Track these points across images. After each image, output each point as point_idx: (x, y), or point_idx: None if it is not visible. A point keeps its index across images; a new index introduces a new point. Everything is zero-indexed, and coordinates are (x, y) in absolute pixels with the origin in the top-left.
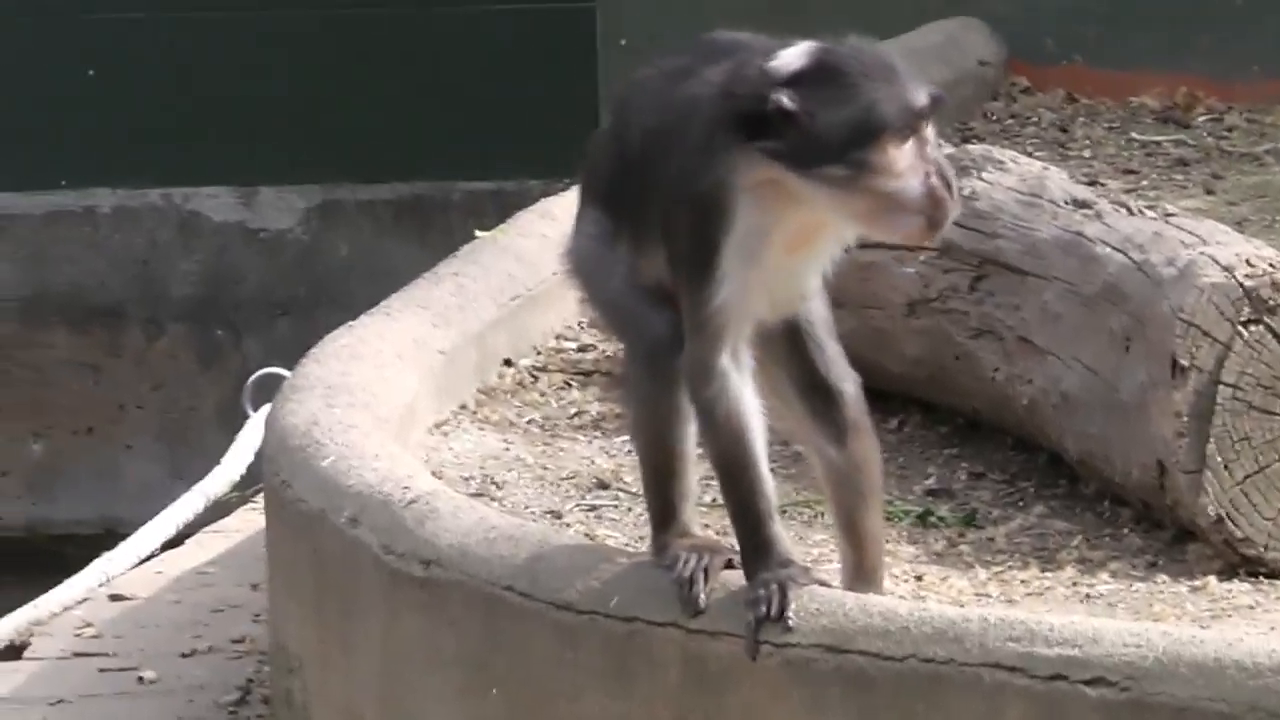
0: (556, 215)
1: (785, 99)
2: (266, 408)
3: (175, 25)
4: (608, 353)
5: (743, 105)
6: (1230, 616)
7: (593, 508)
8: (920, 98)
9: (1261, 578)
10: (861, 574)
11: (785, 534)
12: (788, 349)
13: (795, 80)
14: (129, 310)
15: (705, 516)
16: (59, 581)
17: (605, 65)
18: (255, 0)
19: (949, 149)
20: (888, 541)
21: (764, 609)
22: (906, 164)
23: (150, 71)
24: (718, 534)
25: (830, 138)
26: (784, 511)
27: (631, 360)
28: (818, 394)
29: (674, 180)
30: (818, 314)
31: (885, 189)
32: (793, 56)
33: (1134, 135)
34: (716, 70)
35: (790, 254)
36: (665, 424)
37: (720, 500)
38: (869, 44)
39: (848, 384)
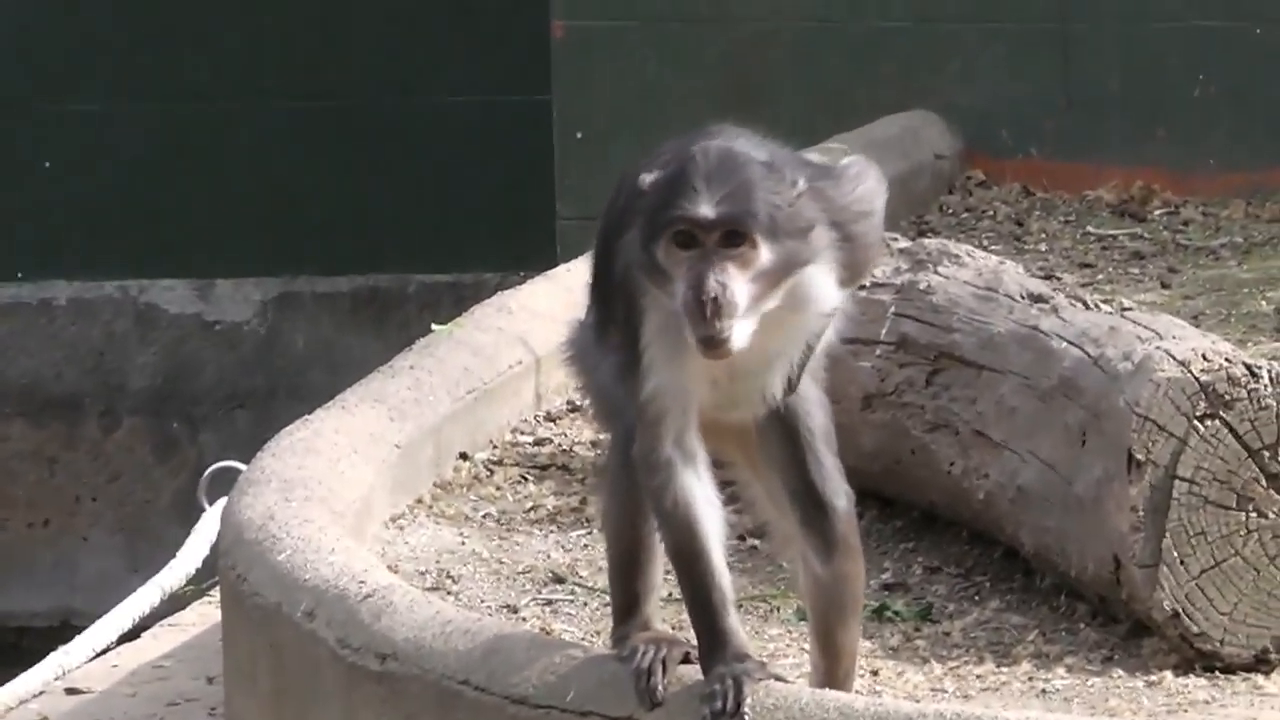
0: (512, 309)
1: (643, 181)
2: (222, 501)
3: (131, 118)
4: (564, 447)
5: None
6: (1186, 712)
7: (549, 602)
8: (701, 210)
9: (1217, 672)
10: (831, 684)
11: (741, 628)
12: (784, 456)
13: (659, 169)
14: (85, 402)
15: (668, 611)
16: (15, 674)
17: (562, 158)
18: (213, 93)
19: (905, 243)
20: None
21: (719, 703)
22: (675, 267)
23: (107, 165)
24: (678, 629)
25: (643, 230)
26: (740, 605)
27: (611, 449)
28: (810, 505)
29: (612, 270)
30: (818, 423)
31: (660, 284)
32: (672, 148)
33: (1090, 229)
34: (653, 160)
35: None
36: (633, 515)
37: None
38: (741, 143)
39: (840, 499)
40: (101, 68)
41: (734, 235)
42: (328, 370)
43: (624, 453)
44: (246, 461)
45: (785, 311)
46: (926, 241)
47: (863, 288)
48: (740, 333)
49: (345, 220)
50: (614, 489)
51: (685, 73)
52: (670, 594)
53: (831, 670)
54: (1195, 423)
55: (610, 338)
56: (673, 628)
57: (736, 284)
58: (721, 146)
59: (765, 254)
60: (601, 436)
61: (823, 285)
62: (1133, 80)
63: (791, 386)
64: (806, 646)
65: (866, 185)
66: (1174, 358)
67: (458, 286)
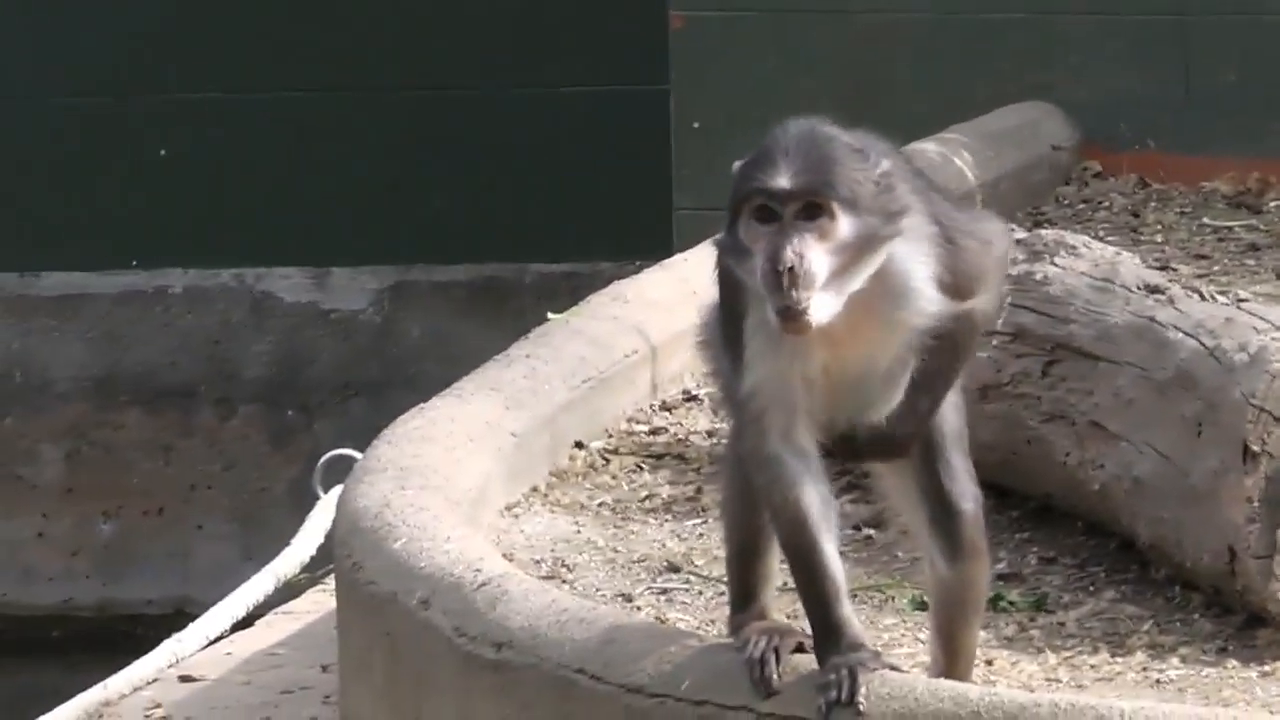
0: (628, 298)
1: (734, 168)
2: (337, 489)
3: (246, 107)
4: (679, 436)
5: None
6: None
7: (664, 591)
8: (778, 180)
9: None
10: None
11: (856, 618)
12: (915, 455)
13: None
14: (200, 391)
15: (784, 600)
16: (129, 662)
17: (678, 148)
18: (330, 82)
19: (1021, 234)
20: None
21: (835, 693)
22: (754, 242)
23: (223, 152)
24: (794, 618)
25: (728, 211)
26: (855, 595)
27: (730, 438)
28: (938, 506)
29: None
30: (950, 425)
31: (742, 262)
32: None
33: (1206, 220)
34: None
35: (834, 349)
36: (751, 505)
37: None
38: (826, 126)
39: (968, 502)
40: (217, 57)
41: (813, 207)
42: (442, 359)
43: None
44: (361, 450)
45: (877, 300)
46: (1043, 232)
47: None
48: (821, 306)
49: (461, 209)
50: (731, 478)
51: (802, 65)
52: (785, 583)
53: (950, 667)
54: None
55: (728, 330)
56: (789, 617)
57: (814, 253)
58: (804, 124)
59: (845, 225)
60: (720, 425)
61: (919, 278)
62: (1250, 73)
63: (918, 412)
64: (922, 636)
65: (987, 222)
66: None
67: (574, 276)
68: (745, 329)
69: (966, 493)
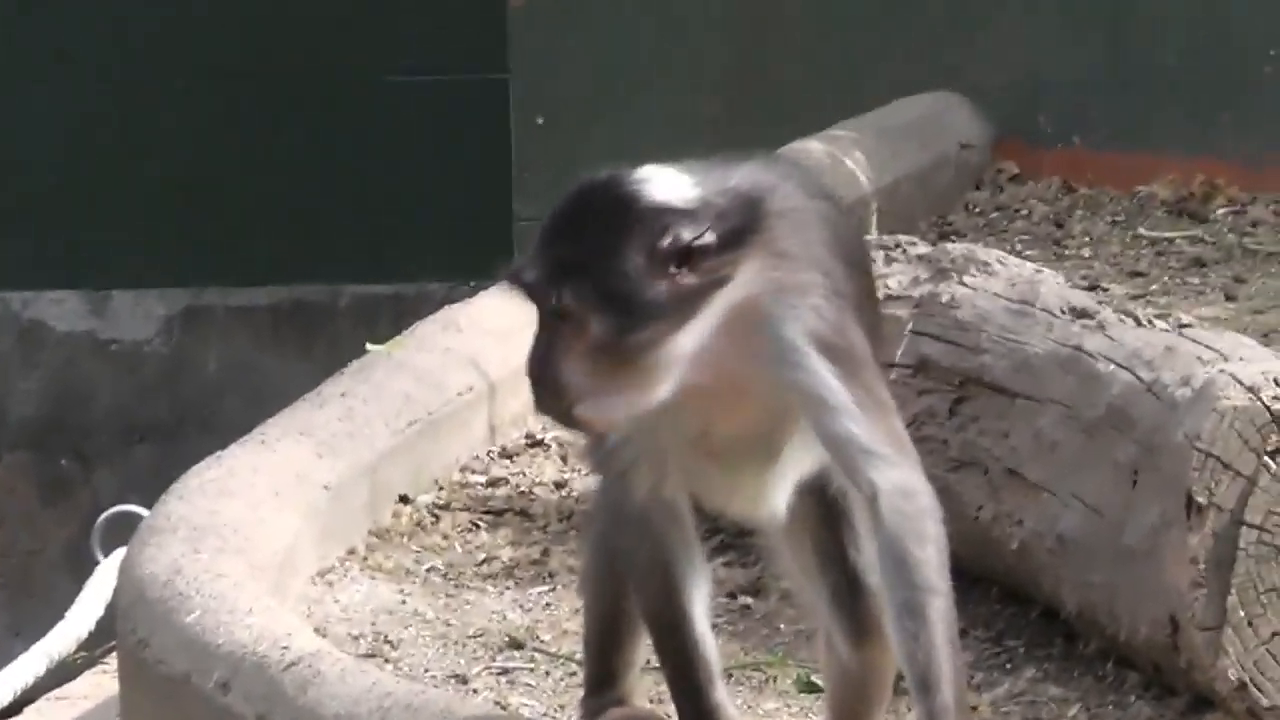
0: (462, 325)
1: None
2: (120, 552)
3: (12, 101)
4: (522, 488)
5: None
6: None
7: (505, 671)
8: (525, 272)
9: None
10: None
11: (731, 703)
12: (821, 520)
13: None
14: None
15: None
16: None
17: (519, 147)
18: (107, 72)
19: (924, 248)
20: None
21: None
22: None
23: None
24: (659, 703)
25: None
26: (730, 675)
27: (596, 495)
28: (842, 580)
29: None
30: None
31: None
32: None
33: (1142, 231)
34: None
35: (707, 412)
36: (616, 573)
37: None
38: (627, 182)
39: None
40: None
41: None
42: (244, 398)
43: (603, 502)
44: (148, 505)
45: (742, 358)
46: (950, 246)
47: None
48: (600, 411)
49: (265, 221)
50: (595, 541)
51: (671, 46)
52: (649, 661)
53: None
54: (1266, 459)
55: None
56: (652, 702)
57: (566, 363)
58: (589, 188)
59: (604, 328)
60: (570, 475)
61: (787, 331)
62: (1193, 56)
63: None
64: None
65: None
66: (1241, 383)
67: (398, 299)
68: None
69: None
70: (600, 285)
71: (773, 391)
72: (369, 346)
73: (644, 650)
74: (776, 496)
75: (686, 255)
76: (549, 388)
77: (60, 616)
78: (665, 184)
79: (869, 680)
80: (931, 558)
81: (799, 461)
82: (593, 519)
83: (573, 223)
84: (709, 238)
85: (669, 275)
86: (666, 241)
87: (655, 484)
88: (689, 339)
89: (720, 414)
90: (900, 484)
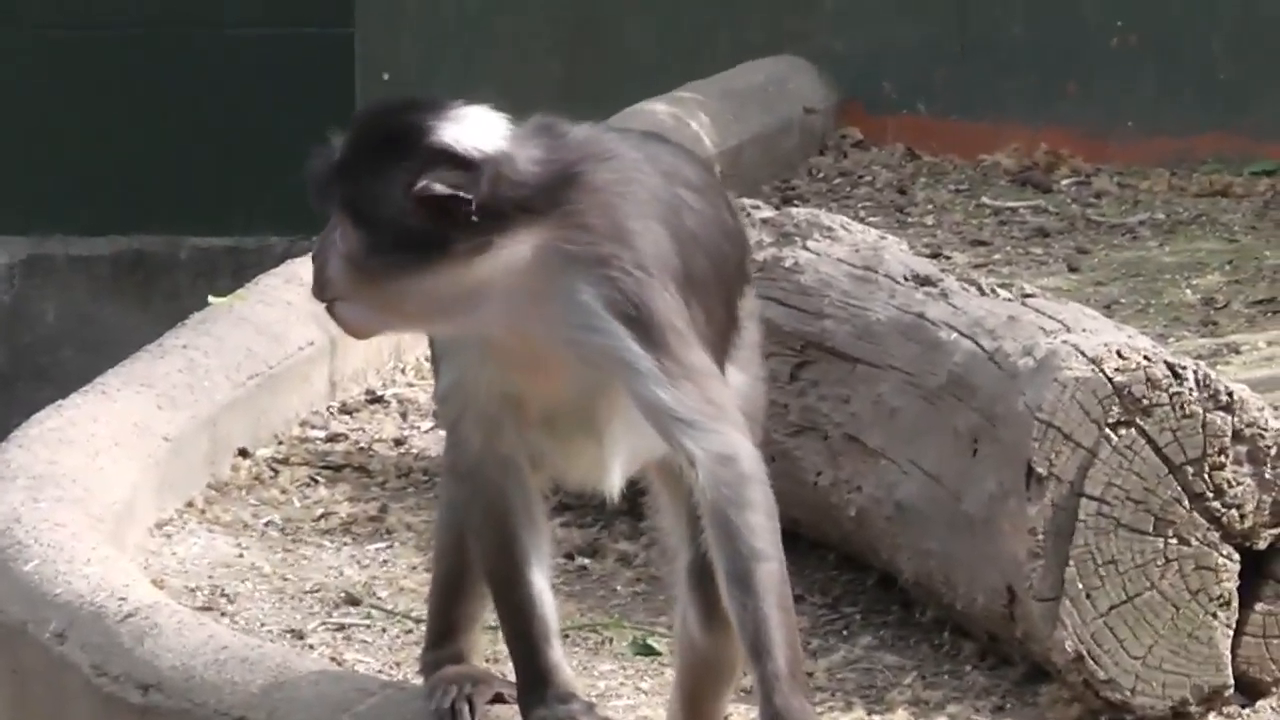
0: (305, 280)
1: None
2: None
3: None
4: (361, 444)
5: None
6: None
7: (341, 627)
8: (312, 168)
9: None
10: None
11: (567, 663)
12: (679, 499)
13: None
14: None
15: (486, 639)
16: None
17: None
18: None
19: (768, 212)
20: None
21: None
22: None
23: None
24: (496, 662)
25: None
26: (567, 636)
27: (445, 452)
28: (697, 562)
29: None
30: None
31: None
32: None
33: (986, 200)
34: None
35: (520, 371)
36: (460, 530)
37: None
38: (412, 108)
39: None
40: None
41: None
42: (82, 348)
43: (450, 455)
44: None
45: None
46: (794, 211)
47: None
48: (351, 314)
49: (106, 171)
50: (443, 498)
51: (518, 5)
52: (489, 621)
53: None
54: (1107, 431)
55: None
56: (489, 661)
57: (331, 258)
58: (379, 106)
59: (358, 241)
60: (409, 432)
61: (582, 295)
62: (1039, 25)
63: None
64: (643, 685)
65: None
66: (1083, 354)
67: (238, 252)
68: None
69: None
70: (356, 199)
71: (574, 357)
72: (211, 299)
73: (486, 609)
74: (614, 468)
75: (442, 204)
76: (315, 276)
77: None
78: (463, 128)
79: (718, 662)
80: (758, 523)
81: (629, 438)
82: (442, 474)
83: (363, 132)
84: (466, 195)
85: (420, 216)
86: (419, 185)
87: (488, 440)
88: (448, 284)
89: (531, 379)
90: (719, 450)
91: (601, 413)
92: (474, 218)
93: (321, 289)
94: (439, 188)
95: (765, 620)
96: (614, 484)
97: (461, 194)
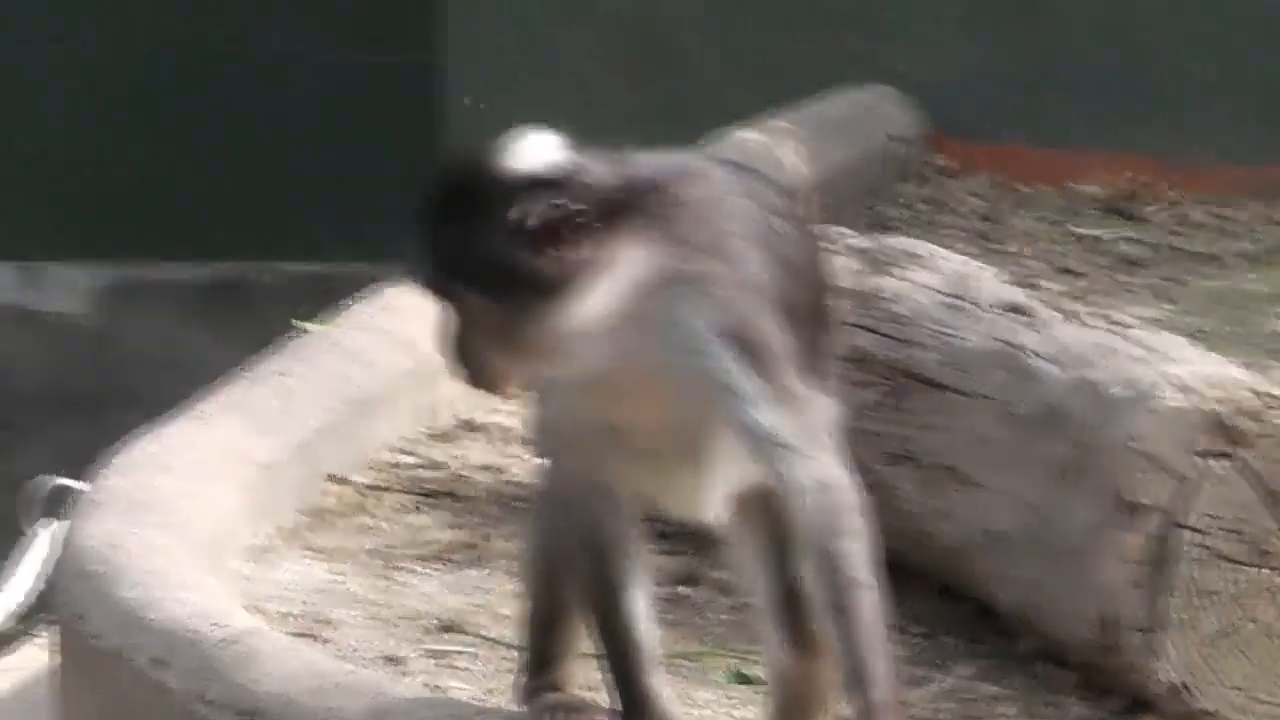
0: (399, 307)
1: None
2: (52, 525)
3: None
4: (457, 471)
5: None
6: None
7: (438, 653)
8: (411, 266)
9: None
10: None
11: (666, 690)
12: (765, 526)
13: None
14: None
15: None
16: None
17: (450, 129)
18: (38, 40)
19: (862, 240)
20: None
21: None
22: None
23: None
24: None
25: None
26: (665, 664)
27: (538, 480)
28: (784, 589)
29: None
30: None
31: None
32: None
33: (1074, 228)
34: None
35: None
36: (557, 559)
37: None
38: (451, 167)
39: None
40: None
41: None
42: (169, 373)
43: (548, 482)
44: (73, 476)
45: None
46: (885, 239)
47: None
48: (500, 377)
49: (195, 196)
50: (537, 526)
51: (597, 32)
52: (586, 647)
53: None
54: (1203, 461)
55: None
56: (589, 689)
57: (460, 339)
58: (447, 175)
59: (479, 305)
60: (504, 459)
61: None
62: (1128, 53)
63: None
64: (741, 714)
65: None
66: (1179, 383)
67: (327, 278)
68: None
69: None
70: (469, 274)
71: (678, 383)
72: (304, 325)
73: (582, 636)
74: (712, 497)
75: (549, 227)
76: (453, 362)
77: None
78: (532, 152)
79: (808, 689)
80: (855, 552)
81: (729, 466)
82: (537, 500)
83: (436, 208)
84: (570, 208)
85: (533, 247)
86: (522, 219)
87: (587, 470)
88: (581, 311)
89: (632, 407)
90: (818, 477)
91: (701, 440)
92: (581, 226)
93: (486, 378)
94: (541, 209)
95: (864, 649)
96: (713, 512)
97: (566, 204)
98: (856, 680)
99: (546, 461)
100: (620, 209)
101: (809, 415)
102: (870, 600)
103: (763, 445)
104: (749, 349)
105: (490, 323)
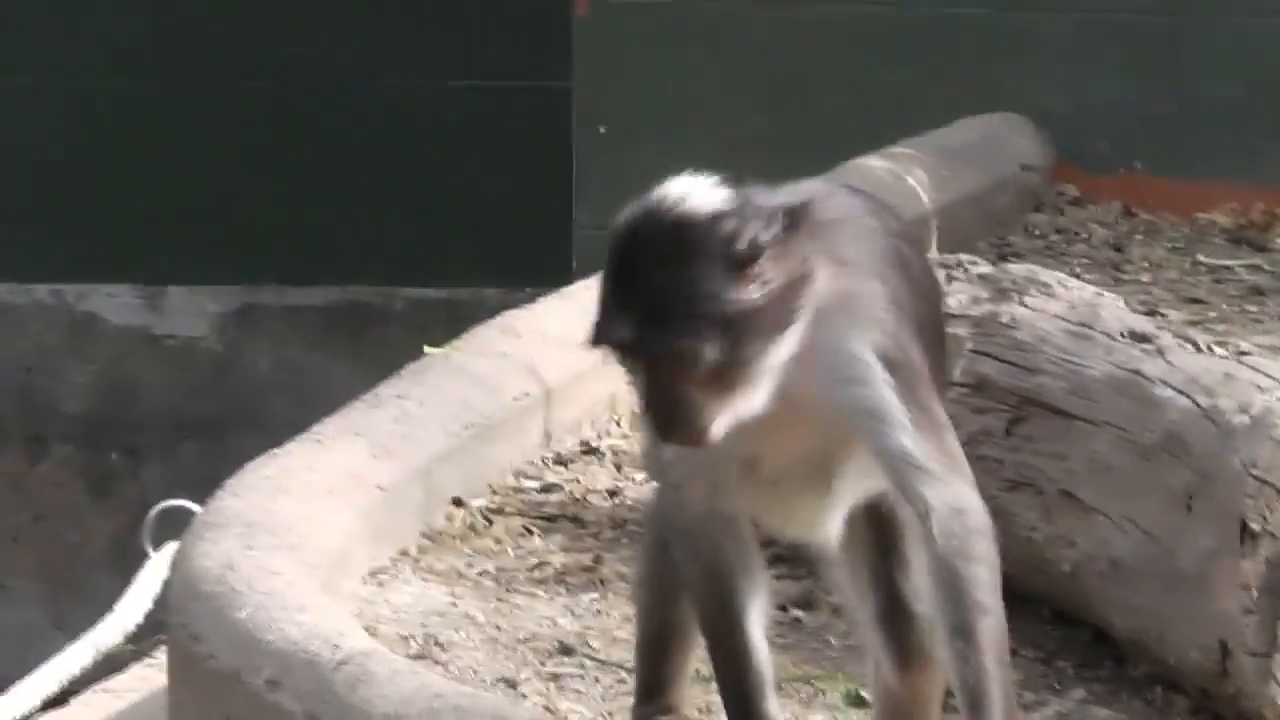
0: (520, 331)
1: None
2: (170, 546)
3: (72, 93)
4: (575, 495)
5: None
6: None
7: (554, 676)
8: (619, 332)
9: None
10: None
11: (781, 715)
12: (872, 543)
13: None
14: (8, 426)
15: (696, 689)
16: None
17: (581, 155)
18: (164, 67)
19: (985, 268)
20: None
21: None
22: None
23: (40, 146)
24: (708, 713)
25: None
26: (781, 688)
27: (652, 506)
28: (890, 605)
29: None
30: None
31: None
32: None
33: (1201, 258)
34: None
35: (766, 431)
36: (669, 584)
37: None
38: (646, 219)
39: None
40: (30, 36)
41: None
42: (293, 397)
43: (661, 509)
44: (197, 500)
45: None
46: (1011, 267)
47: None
48: (717, 430)
49: (321, 221)
50: (650, 551)
51: (727, 60)
52: (699, 671)
53: None
54: None
55: None
56: (701, 712)
57: (683, 400)
58: (639, 228)
59: (711, 353)
60: (624, 483)
61: (846, 341)
62: (1255, 84)
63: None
64: None
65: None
66: None
67: (453, 304)
68: None
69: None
70: (690, 317)
71: (834, 410)
72: (425, 349)
73: (696, 660)
74: (831, 521)
75: (754, 260)
76: (676, 427)
77: (104, 611)
78: (706, 194)
79: (914, 704)
80: (982, 577)
81: (854, 488)
82: (649, 526)
83: (640, 264)
84: (772, 231)
85: (751, 279)
86: (735, 246)
87: (712, 498)
88: (791, 341)
89: (776, 434)
90: (953, 502)
91: (828, 471)
92: (778, 257)
93: (691, 429)
94: (748, 234)
95: (984, 674)
96: (831, 535)
97: (760, 236)
98: (974, 705)
99: (669, 490)
100: (792, 236)
101: (947, 440)
102: (994, 626)
103: (905, 469)
104: (899, 371)
105: (707, 370)
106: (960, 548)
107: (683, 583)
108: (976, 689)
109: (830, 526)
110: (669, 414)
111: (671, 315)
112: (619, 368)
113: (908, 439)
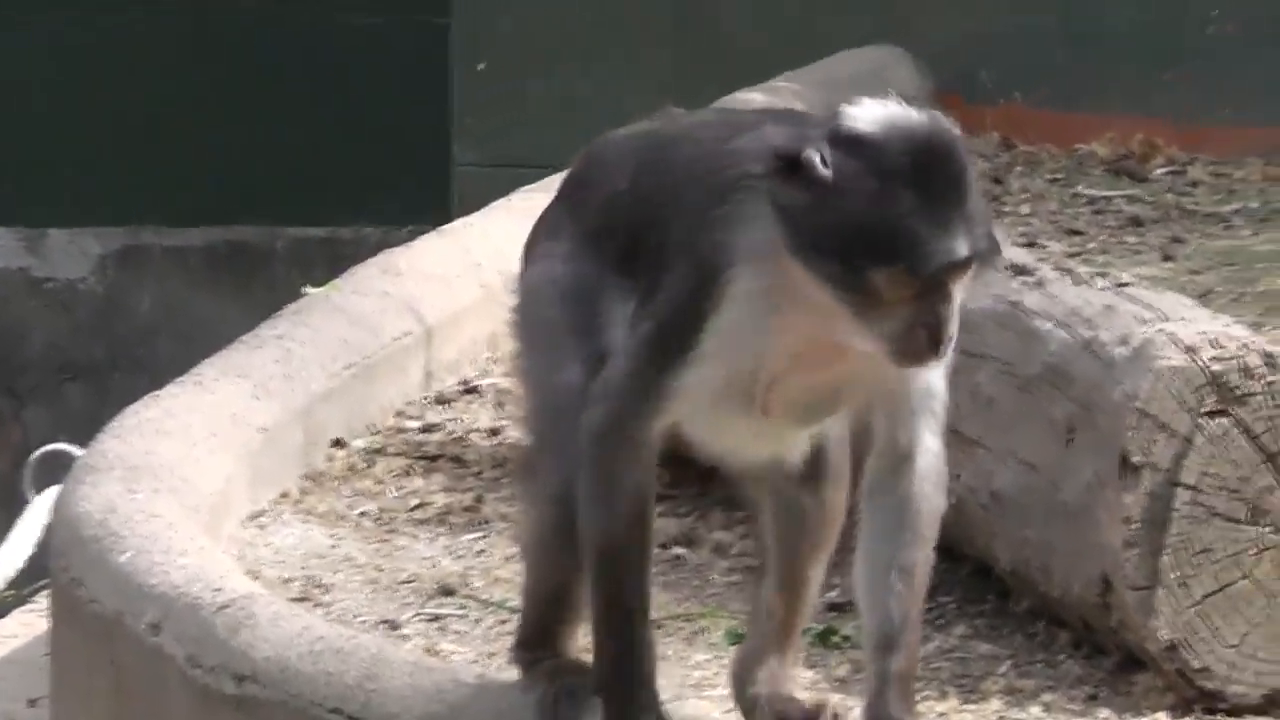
0: (401, 270)
1: (819, 157)
2: (53, 490)
3: None
4: (457, 434)
5: (776, 153)
6: None
7: (435, 617)
8: (958, 250)
9: (1220, 715)
10: (786, 636)
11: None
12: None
13: (846, 144)
14: None
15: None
16: None
17: (460, 93)
18: (35, 7)
19: None
20: None
21: None
22: (902, 304)
23: None
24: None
25: (843, 229)
26: (660, 626)
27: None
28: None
29: (676, 234)
30: None
31: (866, 317)
32: (865, 118)
33: (1081, 189)
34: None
35: (802, 375)
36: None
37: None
38: (948, 133)
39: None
40: None
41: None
42: (177, 338)
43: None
44: (82, 444)
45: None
46: None
47: None
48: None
49: (201, 162)
50: (556, 499)
51: None
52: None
53: (788, 621)
54: (1202, 420)
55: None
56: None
57: (958, 315)
58: (943, 141)
59: (980, 270)
60: (506, 422)
61: None
62: (1136, 14)
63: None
64: None
65: None
66: (1179, 343)
67: (334, 243)
68: (707, 321)
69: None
70: (991, 230)
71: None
72: (307, 289)
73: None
74: (803, 445)
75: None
76: (946, 343)
77: None
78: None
79: (822, 518)
80: (935, 526)
81: (841, 419)
82: (544, 476)
83: (961, 182)
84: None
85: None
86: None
87: (664, 422)
88: None
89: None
90: (936, 449)
91: (842, 398)
92: None
93: (950, 347)
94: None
95: (909, 618)
96: (798, 458)
97: None
98: (889, 644)
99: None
100: None
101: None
102: (928, 574)
103: (925, 407)
104: None
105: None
106: (930, 492)
107: (598, 498)
108: (896, 630)
109: (800, 451)
110: (947, 338)
111: (983, 228)
112: (883, 287)
113: (938, 380)
